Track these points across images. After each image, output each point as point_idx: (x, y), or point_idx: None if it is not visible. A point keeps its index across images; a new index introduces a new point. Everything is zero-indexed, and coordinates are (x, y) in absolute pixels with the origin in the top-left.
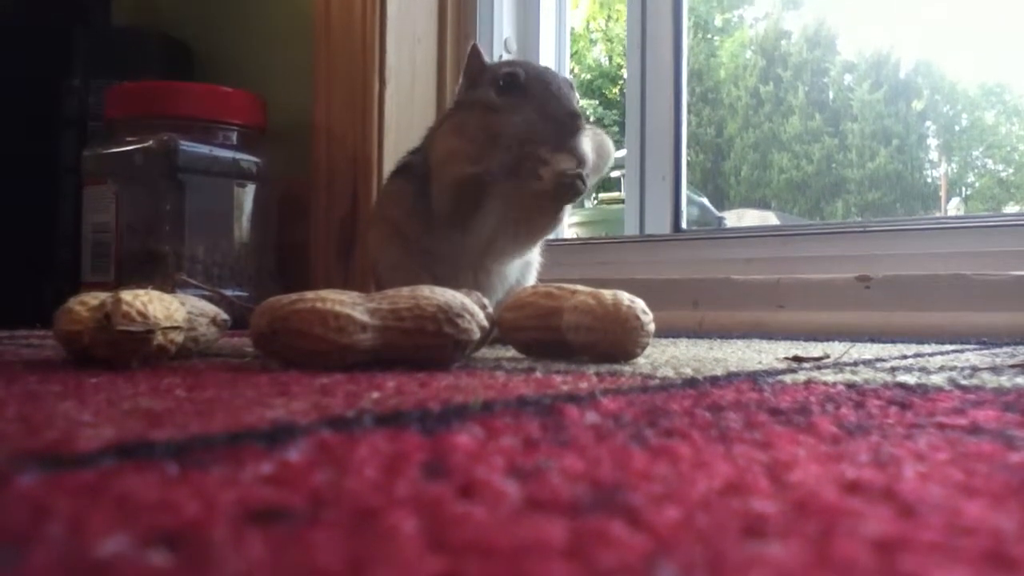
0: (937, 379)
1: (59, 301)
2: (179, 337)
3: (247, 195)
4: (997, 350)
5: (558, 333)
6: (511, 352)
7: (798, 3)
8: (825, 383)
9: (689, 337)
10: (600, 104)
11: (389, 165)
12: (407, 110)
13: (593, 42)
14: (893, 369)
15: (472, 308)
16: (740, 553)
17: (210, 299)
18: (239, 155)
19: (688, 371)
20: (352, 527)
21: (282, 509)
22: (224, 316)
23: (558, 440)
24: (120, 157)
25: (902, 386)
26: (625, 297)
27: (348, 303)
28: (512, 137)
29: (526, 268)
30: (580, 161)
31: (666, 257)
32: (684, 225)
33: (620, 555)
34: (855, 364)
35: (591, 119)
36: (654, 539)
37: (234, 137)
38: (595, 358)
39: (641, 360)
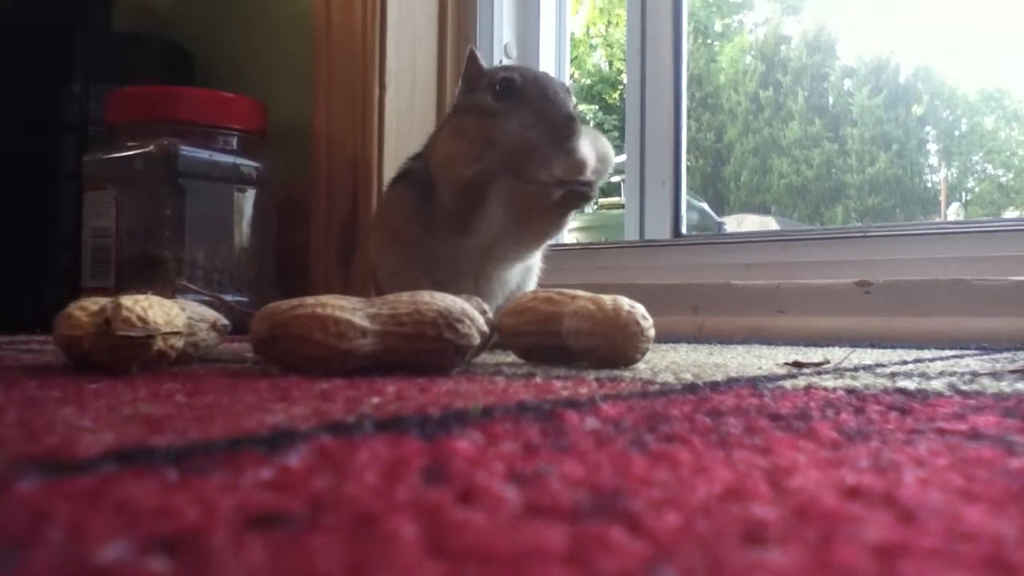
0: (937, 384)
1: (59, 306)
2: (179, 342)
3: (247, 200)
4: (997, 355)
5: (558, 338)
6: (511, 357)
7: (798, 8)
8: (825, 388)
9: (689, 342)
10: (600, 109)
11: (389, 169)
12: (407, 115)
13: (593, 47)
14: (893, 374)
15: (472, 313)
16: (740, 559)
17: (210, 304)
18: (239, 160)
19: (688, 376)
20: (352, 533)
21: (282, 514)
22: (224, 321)
23: (558, 446)
24: (120, 162)
25: (902, 391)
26: (625, 302)
27: (348, 308)
28: (509, 142)
29: (527, 273)
30: (580, 164)
31: (666, 262)
32: (684, 230)
33: (620, 561)
34: (855, 369)
35: (591, 124)
36: (654, 545)
37: (234, 142)
38: (595, 363)
39: (641, 365)
